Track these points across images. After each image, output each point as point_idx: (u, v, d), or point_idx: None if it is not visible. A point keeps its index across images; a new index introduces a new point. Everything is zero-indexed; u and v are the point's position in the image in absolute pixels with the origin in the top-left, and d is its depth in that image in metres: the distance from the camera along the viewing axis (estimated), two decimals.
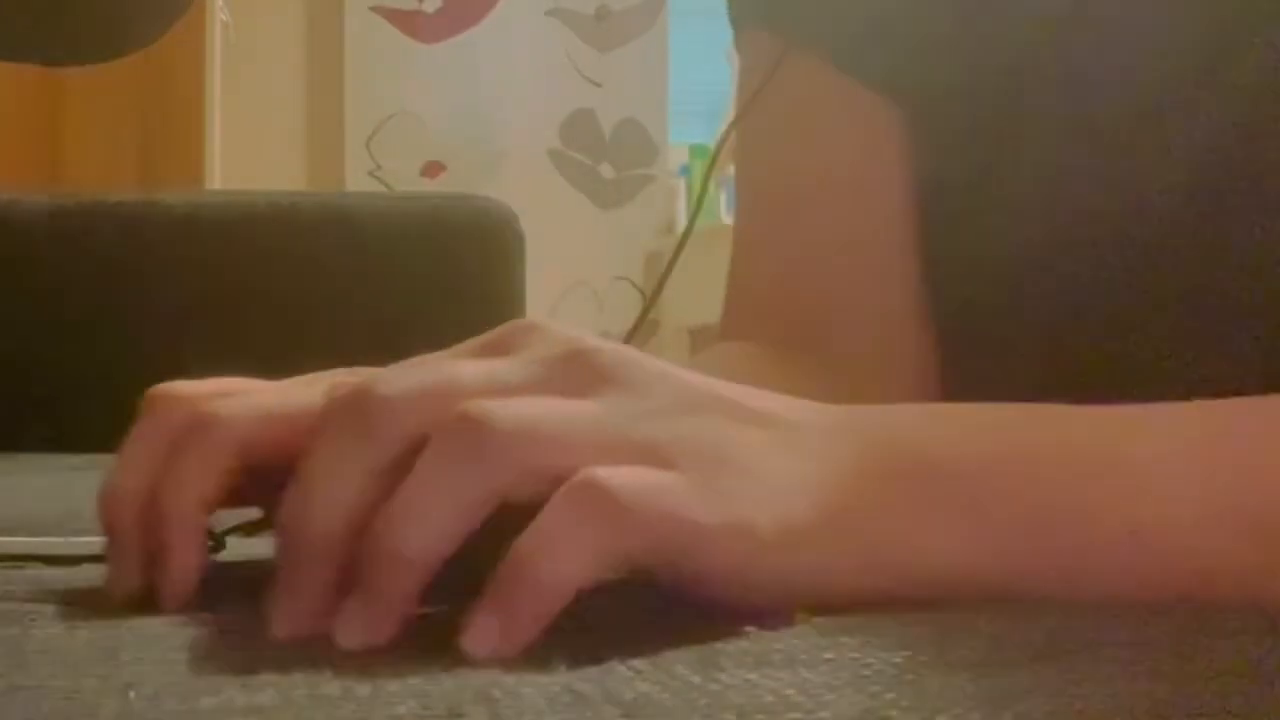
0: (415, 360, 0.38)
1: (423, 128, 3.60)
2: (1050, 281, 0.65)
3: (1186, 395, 0.44)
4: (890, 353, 0.72)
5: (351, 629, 0.34)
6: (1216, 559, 0.40)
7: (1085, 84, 0.65)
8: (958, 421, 0.42)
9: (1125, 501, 0.40)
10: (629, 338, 0.64)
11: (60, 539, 0.50)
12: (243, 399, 0.40)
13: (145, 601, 0.39)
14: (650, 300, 0.66)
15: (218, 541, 0.48)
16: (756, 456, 0.37)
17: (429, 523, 0.33)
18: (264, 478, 0.39)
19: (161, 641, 0.34)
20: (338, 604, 0.34)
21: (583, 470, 0.34)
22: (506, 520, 0.34)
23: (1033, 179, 0.66)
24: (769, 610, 0.36)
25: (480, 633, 0.32)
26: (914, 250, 0.71)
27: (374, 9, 3.59)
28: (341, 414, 0.36)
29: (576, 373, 0.37)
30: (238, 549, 0.49)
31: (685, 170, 3.78)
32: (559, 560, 0.33)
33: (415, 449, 0.35)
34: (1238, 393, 0.44)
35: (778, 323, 0.74)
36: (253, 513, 0.52)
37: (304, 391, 0.41)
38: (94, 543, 0.48)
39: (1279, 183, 0.60)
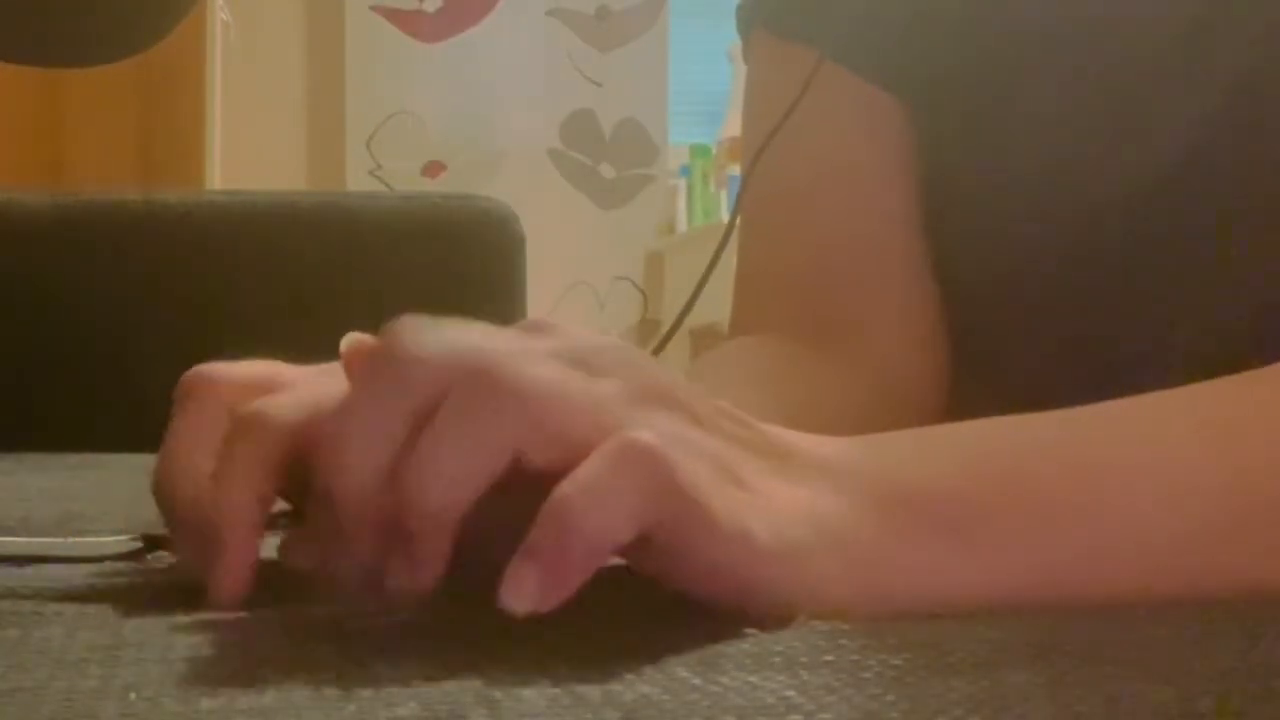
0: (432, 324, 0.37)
1: (423, 128, 3.60)
2: (1047, 262, 0.66)
3: (1181, 373, 0.44)
4: (907, 342, 0.72)
5: (396, 582, 0.34)
6: (1217, 556, 0.40)
7: (1079, 68, 0.66)
8: (948, 448, 0.42)
9: (1120, 511, 0.40)
10: (664, 341, 0.64)
11: (60, 539, 0.50)
12: (289, 394, 0.40)
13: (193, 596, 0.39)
14: (690, 302, 0.66)
15: None
16: (756, 476, 0.37)
17: (445, 472, 0.33)
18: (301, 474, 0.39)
19: (162, 642, 0.34)
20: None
21: (632, 430, 0.33)
22: (517, 513, 0.34)
23: (1029, 163, 0.67)
24: (769, 612, 0.36)
25: (519, 585, 0.32)
26: (925, 238, 0.72)
27: (374, 9, 3.59)
28: (371, 370, 0.36)
29: (602, 359, 0.37)
30: None
31: (686, 171, 3.78)
32: (607, 513, 0.32)
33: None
34: (1231, 369, 0.44)
35: (793, 316, 0.74)
36: None
37: (342, 384, 0.40)
38: (94, 543, 0.48)
39: (1274, 156, 0.61)
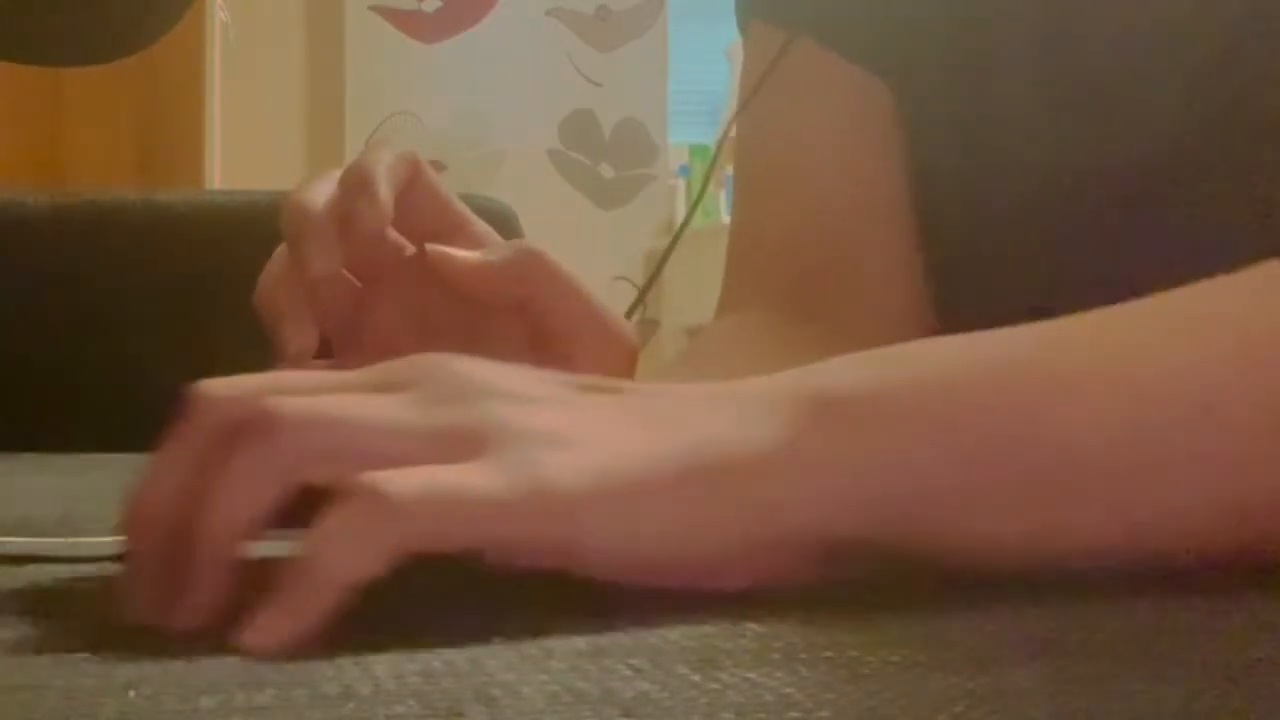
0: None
1: (423, 127, 3.60)
2: (1033, 238, 0.67)
3: None
4: (890, 317, 0.73)
5: (179, 615, 0.35)
6: (1150, 473, 0.40)
7: (1062, 40, 0.67)
8: (874, 359, 0.42)
9: (1056, 423, 0.39)
10: (638, 300, 0.65)
11: (60, 539, 0.50)
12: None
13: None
14: (642, 292, 0.67)
15: None
16: (604, 427, 0.38)
17: (224, 507, 0.35)
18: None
19: (161, 641, 0.34)
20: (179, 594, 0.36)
21: (361, 476, 0.35)
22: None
23: (1014, 139, 0.68)
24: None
25: (263, 627, 0.33)
26: (909, 215, 0.73)
27: (374, 9, 3.59)
28: (181, 420, 0.38)
29: (393, 373, 0.39)
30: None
31: (685, 170, 3.78)
32: (334, 558, 0.34)
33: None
34: None
35: (779, 288, 0.75)
36: None
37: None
38: (94, 543, 0.48)
39: (1259, 123, 0.61)
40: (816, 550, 0.38)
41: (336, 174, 0.51)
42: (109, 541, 0.48)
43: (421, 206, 0.53)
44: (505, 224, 1.60)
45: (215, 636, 0.35)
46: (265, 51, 3.52)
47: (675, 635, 0.33)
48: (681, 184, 3.78)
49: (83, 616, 0.38)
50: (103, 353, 1.47)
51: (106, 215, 1.52)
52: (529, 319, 0.54)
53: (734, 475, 0.37)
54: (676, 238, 0.69)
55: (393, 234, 0.54)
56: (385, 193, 0.49)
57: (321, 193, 0.51)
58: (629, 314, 0.67)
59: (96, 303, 1.48)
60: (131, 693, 0.29)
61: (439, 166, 3.60)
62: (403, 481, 0.35)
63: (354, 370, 0.40)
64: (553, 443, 0.37)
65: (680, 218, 3.75)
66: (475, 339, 0.54)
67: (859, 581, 0.40)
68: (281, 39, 3.57)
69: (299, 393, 0.37)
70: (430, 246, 0.53)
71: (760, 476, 0.37)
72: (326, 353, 0.51)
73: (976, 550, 0.39)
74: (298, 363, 0.50)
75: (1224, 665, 0.31)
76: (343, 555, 0.34)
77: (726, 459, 0.37)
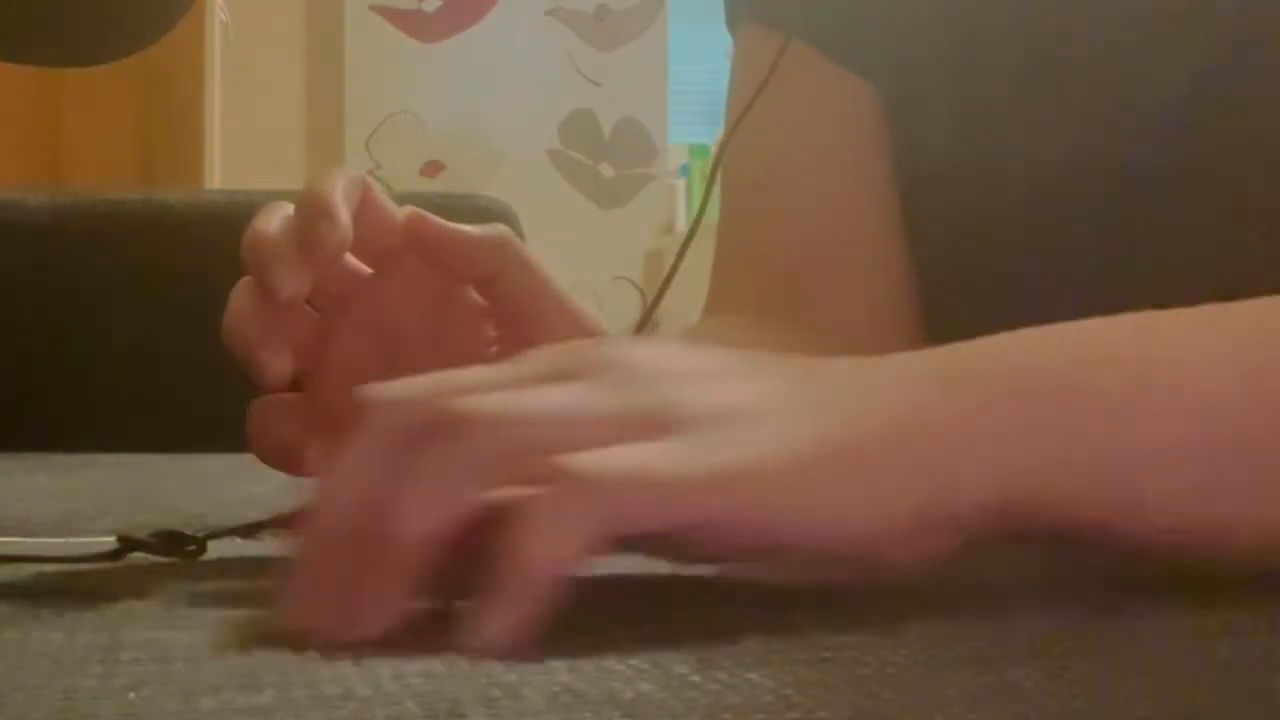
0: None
1: (422, 127, 3.60)
2: (1024, 239, 0.67)
3: None
4: (879, 318, 0.73)
5: (355, 626, 0.34)
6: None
7: (1053, 40, 0.67)
8: (1023, 339, 0.42)
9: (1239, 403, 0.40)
10: (642, 321, 0.65)
11: (60, 539, 0.50)
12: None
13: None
14: (658, 296, 0.67)
15: (199, 545, 0.48)
16: (764, 406, 0.37)
17: (417, 511, 0.34)
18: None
19: (161, 642, 0.34)
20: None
21: (559, 458, 0.34)
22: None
23: (1005, 140, 0.68)
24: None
25: (484, 626, 0.32)
26: (897, 220, 0.73)
27: (374, 9, 3.59)
28: (365, 416, 0.37)
29: (560, 363, 0.38)
30: (237, 549, 0.50)
31: (685, 170, 3.78)
32: (542, 548, 0.33)
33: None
34: None
35: (765, 295, 0.75)
36: (247, 515, 0.52)
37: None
38: (94, 543, 0.48)
39: (1251, 124, 0.61)
40: (984, 522, 0.38)
41: (288, 204, 0.51)
42: (109, 541, 0.48)
43: (373, 226, 0.52)
44: (505, 224, 1.59)
45: (215, 638, 0.35)
46: (265, 51, 3.52)
47: (675, 636, 0.33)
48: (681, 184, 3.78)
49: (82, 618, 0.38)
50: (102, 352, 1.47)
51: (106, 215, 1.52)
52: (495, 297, 0.54)
53: (930, 444, 0.37)
54: (687, 242, 0.68)
55: (349, 257, 0.53)
56: (344, 215, 0.49)
57: (278, 220, 0.50)
58: (640, 324, 0.67)
59: (96, 303, 1.48)
60: (131, 694, 0.29)
61: (439, 166, 3.60)
62: (601, 463, 0.34)
63: (516, 364, 0.38)
64: (740, 418, 0.36)
65: (680, 217, 3.76)
66: (441, 352, 0.53)
67: (859, 583, 0.40)
68: (281, 39, 3.58)
69: (472, 391, 0.36)
70: (410, 209, 0.53)
71: (956, 448, 0.37)
72: (293, 387, 0.51)
73: (1150, 527, 0.39)
74: (276, 389, 0.50)
75: (1222, 663, 0.31)
76: (550, 544, 0.33)
77: (920, 428, 0.37)
